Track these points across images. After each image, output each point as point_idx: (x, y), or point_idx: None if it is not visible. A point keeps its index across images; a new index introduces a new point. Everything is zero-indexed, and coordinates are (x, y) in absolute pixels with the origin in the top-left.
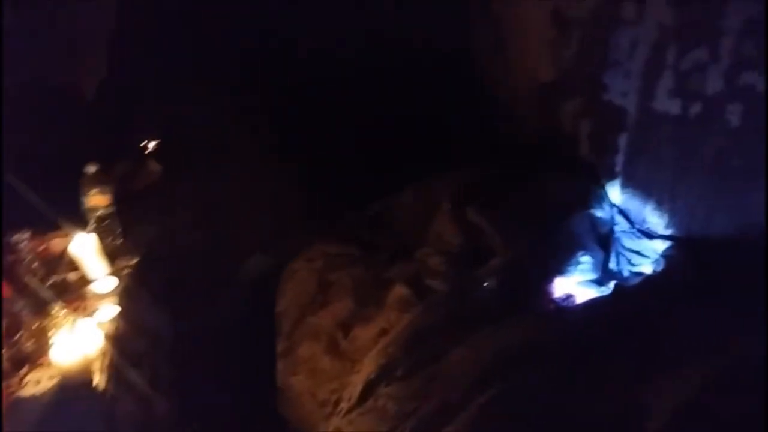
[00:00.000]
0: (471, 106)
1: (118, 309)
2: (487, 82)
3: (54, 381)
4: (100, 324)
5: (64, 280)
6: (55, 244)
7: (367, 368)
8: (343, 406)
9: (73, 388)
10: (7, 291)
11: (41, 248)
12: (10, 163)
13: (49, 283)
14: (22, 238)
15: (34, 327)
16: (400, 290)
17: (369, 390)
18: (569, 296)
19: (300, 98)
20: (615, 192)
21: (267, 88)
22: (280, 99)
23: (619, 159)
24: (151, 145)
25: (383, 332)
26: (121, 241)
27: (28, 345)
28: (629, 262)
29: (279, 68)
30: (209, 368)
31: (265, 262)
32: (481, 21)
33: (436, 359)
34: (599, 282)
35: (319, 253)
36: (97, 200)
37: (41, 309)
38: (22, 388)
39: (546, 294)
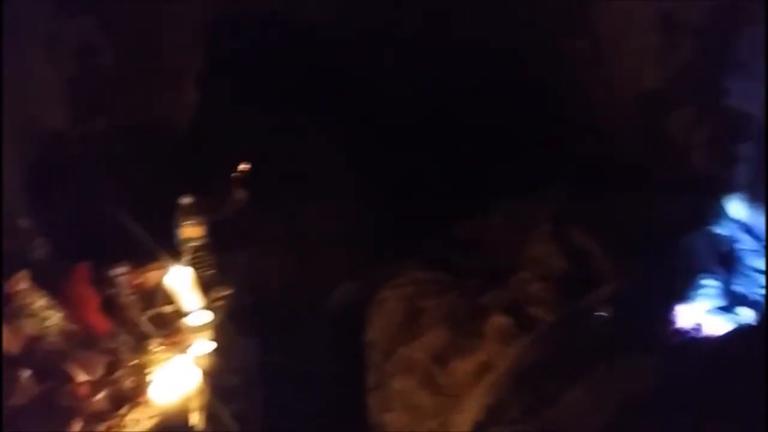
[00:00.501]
0: (561, 119)
1: (212, 344)
2: (580, 94)
3: (153, 421)
4: (196, 360)
5: (159, 314)
6: (151, 277)
7: (472, 409)
8: None
9: (175, 429)
10: (107, 326)
11: (138, 281)
12: (107, 196)
13: (145, 317)
14: (121, 272)
15: (132, 364)
16: (498, 320)
17: None
18: (697, 327)
19: (383, 124)
20: (737, 207)
21: (352, 115)
22: (364, 127)
23: (742, 170)
24: (239, 173)
25: (484, 366)
26: (213, 272)
27: (128, 383)
28: (758, 284)
29: (363, 98)
30: (298, 402)
31: (352, 290)
32: (574, 29)
33: (549, 402)
34: (727, 308)
35: (408, 279)
36: (191, 232)
37: (140, 344)
38: (123, 428)
39: (668, 324)
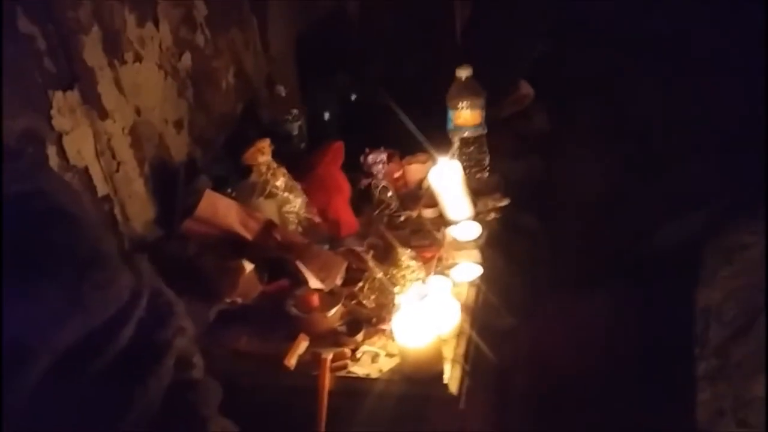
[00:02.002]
0: None
1: (479, 267)
2: None
3: (393, 362)
4: (456, 285)
5: (418, 219)
6: (413, 171)
7: None
8: None
9: (419, 382)
10: (354, 224)
11: (397, 174)
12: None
13: (400, 219)
14: (379, 159)
15: (377, 278)
16: None
17: None
18: None
19: None
20: None
21: None
22: None
23: None
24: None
25: None
26: (487, 175)
27: (368, 302)
28: None
29: None
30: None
31: (686, 228)
32: None
33: None
34: None
35: None
36: (465, 117)
37: (389, 254)
38: (356, 361)
39: None
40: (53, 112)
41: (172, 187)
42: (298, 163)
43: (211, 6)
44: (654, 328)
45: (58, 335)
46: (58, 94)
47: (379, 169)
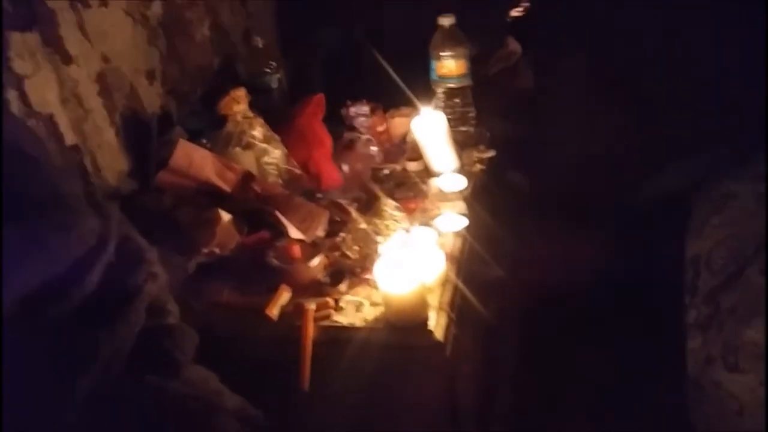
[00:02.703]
0: None
1: (464, 219)
2: None
3: (377, 312)
4: (441, 236)
5: (402, 172)
6: (397, 124)
7: None
8: None
9: (404, 330)
10: (336, 177)
11: (380, 128)
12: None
13: (384, 173)
14: (361, 112)
15: (359, 228)
16: None
17: None
18: None
19: None
20: None
21: None
22: None
23: None
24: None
25: None
26: (473, 129)
27: (351, 252)
28: None
29: None
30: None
31: (675, 178)
32: None
33: None
34: None
35: None
36: (448, 67)
37: (371, 205)
38: (340, 311)
39: None
40: (11, 54)
41: (145, 139)
42: (279, 117)
43: None
44: (644, 277)
45: (18, 277)
46: (16, 35)
47: (361, 122)
